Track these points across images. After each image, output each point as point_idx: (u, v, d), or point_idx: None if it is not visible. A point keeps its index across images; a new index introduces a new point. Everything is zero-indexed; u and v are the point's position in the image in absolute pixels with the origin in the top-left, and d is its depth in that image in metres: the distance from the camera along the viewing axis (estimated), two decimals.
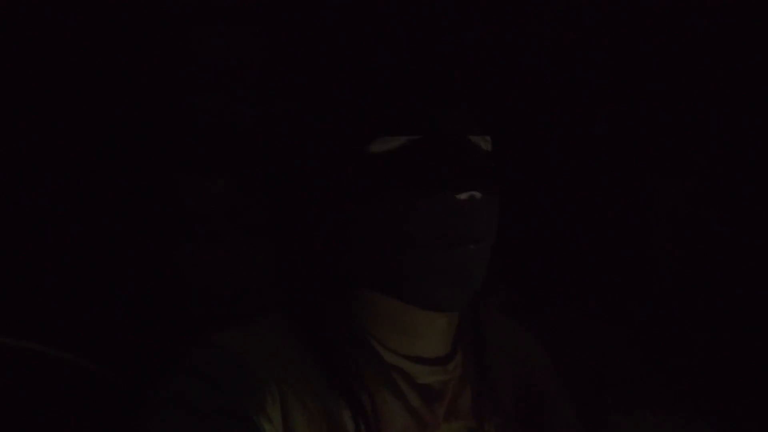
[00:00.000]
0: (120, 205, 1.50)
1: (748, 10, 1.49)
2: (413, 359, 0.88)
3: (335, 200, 0.85)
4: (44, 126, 1.51)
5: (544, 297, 1.51)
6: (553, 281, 1.54)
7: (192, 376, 0.80)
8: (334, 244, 0.86)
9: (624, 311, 1.54)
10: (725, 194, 1.55)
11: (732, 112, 1.54)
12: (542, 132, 1.59)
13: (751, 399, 1.43)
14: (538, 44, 1.59)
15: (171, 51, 1.55)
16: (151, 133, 1.54)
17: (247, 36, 1.54)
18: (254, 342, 0.84)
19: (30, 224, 1.45)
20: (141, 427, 0.79)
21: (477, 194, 0.81)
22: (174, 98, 1.54)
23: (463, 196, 0.81)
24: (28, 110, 1.50)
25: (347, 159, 0.84)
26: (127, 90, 1.54)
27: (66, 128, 1.51)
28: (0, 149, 1.48)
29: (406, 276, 0.83)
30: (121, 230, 1.49)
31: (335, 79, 0.87)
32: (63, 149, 1.51)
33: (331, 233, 0.86)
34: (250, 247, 1.51)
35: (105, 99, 1.53)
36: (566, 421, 0.99)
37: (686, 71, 1.56)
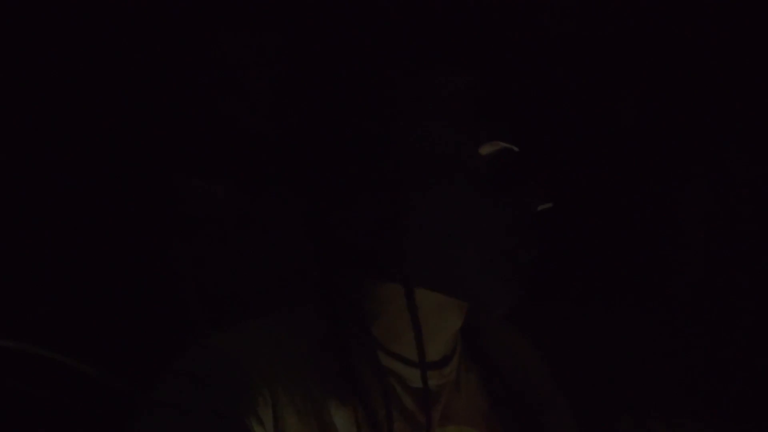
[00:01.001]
0: (122, 207, 1.50)
1: None
2: (410, 363, 0.87)
3: (411, 194, 0.85)
4: (52, 128, 1.51)
5: (551, 294, 1.50)
6: (563, 278, 1.53)
7: (183, 378, 0.80)
8: (389, 236, 0.86)
9: (639, 309, 1.53)
10: (756, 190, 1.53)
11: (765, 105, 1.52)
12: (562, 126, 1.58)
13: (760, 400, 1.42)
14: (561, 40, 1.58)
15: (187, 55, 1.55)
16: (157, 134, 1.54)
17: (264, 40, 1.54)
18: (248, 343, 0.83)
19: (31, 225, 1.46)
20: (131, 429, 0.79)
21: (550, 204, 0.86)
22: (186, 101, 1.55)
23: (544, 204, 0.86)
24: (37, 114, 1.51)
25: (450, 157, 0.85)
26: (137, 92, 1.54)
27: (76, 131, 1.52)
28: (7, 148, 1.48)
29: (483, 274, 0.84)
30: (122, 232, 1.49)
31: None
32: (72, 151, 1.51)
33: (391, 225, 0.85)
34: (254, 249, 1.51)
35: (115, 101, 1.54)
36: (565, 430, 0.99)
37: (717, 64, 1.54)
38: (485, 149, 0.85)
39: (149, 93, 1.56)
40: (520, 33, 1.56)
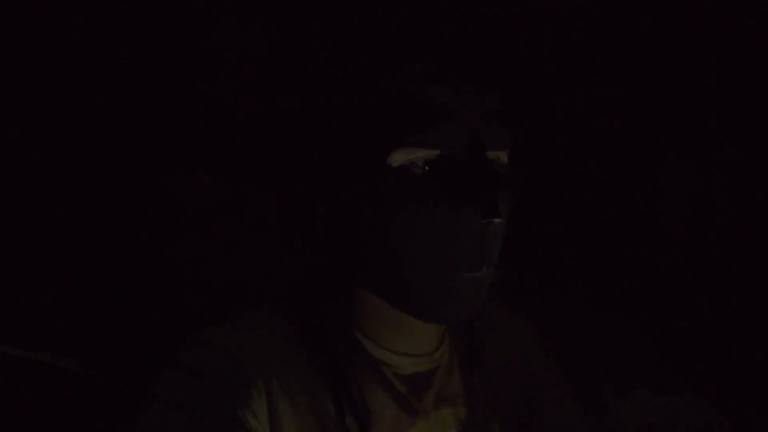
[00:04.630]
0: (112, 201, 1.50)
1: None
2: (400, 352, 0.88)
3: (352, 203, 0.83)
4: (45, 125, 1.51)
5: (545, 280, 1.50)
6: (555, 264, 1.54)
7: (178, 372, 0.81)
8: (345, 243, 0.85)
9: (625, 295, 1.54)
10: (740, 178, 1.54)
11: (749, 93, 1.53)
12: (547, 115, 1.58)
13: (749, 380, 1.43)
14: (543, 21, 1.57)
15: (174, 46, 1.54)
16: (146, 126, 1.54)
17: (249, 30, 1.54)
18: (243, 336, 0.84)
19: (24, 222, 1.45)
20: (128, 425, 0.80)
21: (497, 220, 0.79)
22: (173, 91, 1.54)
23: (483, 221, 0.79)
24: (30, 114, 1.50)
25: (366, 165, 0.82)
26: (123, 84, 1.54)
27: (63, 125, 1.51)
28: None
29: (414, 292, 0.82)
30: (114, 227, 1.49)
31: (355, 80, 0.82)
32: (60, 146, 1.51)
33: (344, 233, 0.85)
34: (245, 240, 1.51)
35: (101, 93, 1.53)
36: (565, 413, 0.99)
37: (701, 50, 1.54)
38: (396, 158, 0.80)
39: (136, 85, 1.55)
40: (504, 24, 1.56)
